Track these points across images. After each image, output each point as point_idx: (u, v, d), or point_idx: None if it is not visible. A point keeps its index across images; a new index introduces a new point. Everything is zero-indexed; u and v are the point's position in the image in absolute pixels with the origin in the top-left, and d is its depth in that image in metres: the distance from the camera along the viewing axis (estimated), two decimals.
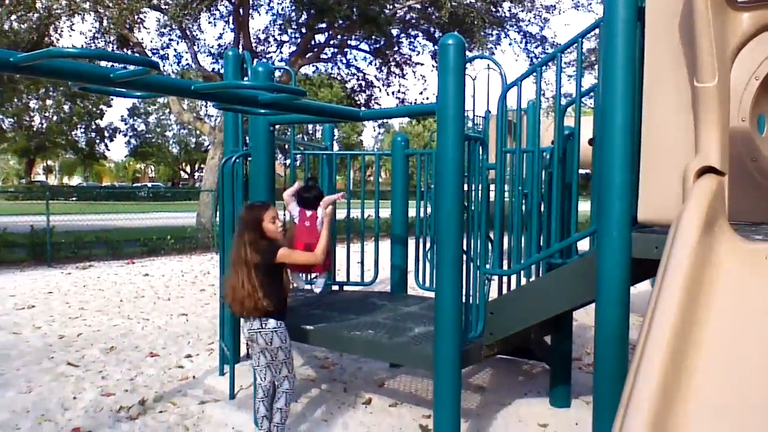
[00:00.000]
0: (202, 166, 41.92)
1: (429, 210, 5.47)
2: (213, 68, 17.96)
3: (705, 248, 1.88)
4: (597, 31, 3.42)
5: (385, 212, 6.03)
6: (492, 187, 4.15)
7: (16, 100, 30.53)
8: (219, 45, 18.84)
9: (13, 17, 15.00)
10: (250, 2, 16.68)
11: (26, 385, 4.86)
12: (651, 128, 2.84)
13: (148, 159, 64.93)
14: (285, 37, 18.25)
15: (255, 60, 14.22)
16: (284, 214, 4.52)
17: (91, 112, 43.38)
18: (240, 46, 16.41)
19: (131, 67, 2.43)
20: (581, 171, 4.81)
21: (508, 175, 4.10)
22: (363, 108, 19.42)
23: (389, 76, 19.69)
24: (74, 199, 35.09)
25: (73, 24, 15.60)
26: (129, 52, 16.71)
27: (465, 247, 3.51)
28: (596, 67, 3.59)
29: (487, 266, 3.88)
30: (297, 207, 4.09)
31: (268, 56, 18.17)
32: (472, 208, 3.74)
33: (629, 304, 2.96)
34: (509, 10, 18.44)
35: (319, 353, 5.80)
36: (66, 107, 40.18)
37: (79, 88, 2.68)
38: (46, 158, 60.02)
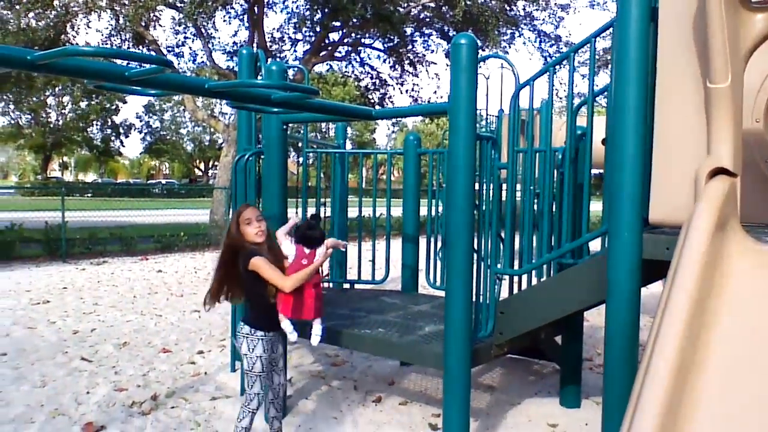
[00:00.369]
0: (216, 163, 42.12)
1: (441, 209, 5.47)
2: (228, 66, 18.04)
3: (716, 250, 1.87)
4: (611, 30, 3.40)
5: (396, 211, 6.05)
6: (504, 186, 4.14)
7: (33, 97, 30.88)
8: (234, 43, 18.96)
9: (31, 14, 15.17)
10: (265, 1, 16.73)
11: (40, 380, 4.93)
12: (663, 129, 2.82)
13: (162, 156, 65.40)
14: (299, 36, 18.29)
15: (269, 58, 14.30)
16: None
17: (107, 108, 43.79)
18: (254, 45, 16.48)
19: (146, 66, 2.45)
20: (594, 171, 4.78)
21: (519, 174, 4.08)
22: (377, 106, 19.45)
23: (403, 74, 19.66)
24: (89, 195, 35.50)
25: (89, 21, 15.77)
26: (144, 50, 16.84)
27: (476, 247, 3.51)
28: (610, 66, 3.56)
29: (498, 266, 3.88)
30: (292, 245, 3.52)
31: (282, 54, 18.21)
32: (483, 207, 3.73)
33: (640, 305, 2.94)
34: (524, 9, 18.37)
35: (330, 351, 5.83)
36: (83, 104, 40.56)
37: (94, 86, 2.71)
38: (62, 155, 60.55)
